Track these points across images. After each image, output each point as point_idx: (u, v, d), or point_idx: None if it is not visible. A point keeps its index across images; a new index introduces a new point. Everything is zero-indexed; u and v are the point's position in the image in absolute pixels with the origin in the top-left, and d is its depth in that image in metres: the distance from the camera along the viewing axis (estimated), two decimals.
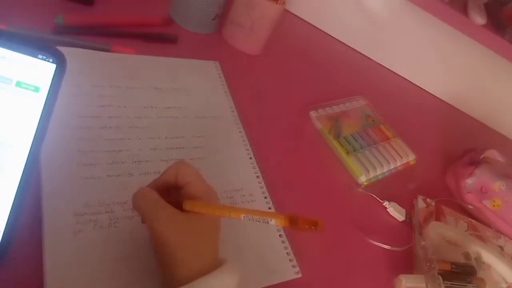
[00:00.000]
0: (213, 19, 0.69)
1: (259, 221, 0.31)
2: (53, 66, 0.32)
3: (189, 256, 0.32)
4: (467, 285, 0.49)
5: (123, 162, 0.45)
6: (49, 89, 0.32)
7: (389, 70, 0.93)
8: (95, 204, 0.40)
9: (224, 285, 0.32)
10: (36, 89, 0.32)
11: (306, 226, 0.29)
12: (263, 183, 0.52)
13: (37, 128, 0.32)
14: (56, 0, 0.59)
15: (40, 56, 0.32)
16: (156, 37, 0.63)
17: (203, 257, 0.33)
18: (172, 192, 0.36)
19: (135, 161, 0.46)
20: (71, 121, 0.45)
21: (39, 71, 0.32)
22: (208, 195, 0.36)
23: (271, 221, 0.31)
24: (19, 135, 0.32)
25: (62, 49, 0.50)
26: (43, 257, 0.35)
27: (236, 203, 0.48)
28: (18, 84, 0.31)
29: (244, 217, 0.32)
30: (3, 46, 0.31)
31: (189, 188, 0.35)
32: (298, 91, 0.72)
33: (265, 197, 0.51)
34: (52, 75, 0.32)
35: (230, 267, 0.33)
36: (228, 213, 0.33)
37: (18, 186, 0.32)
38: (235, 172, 0.52)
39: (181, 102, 0.55)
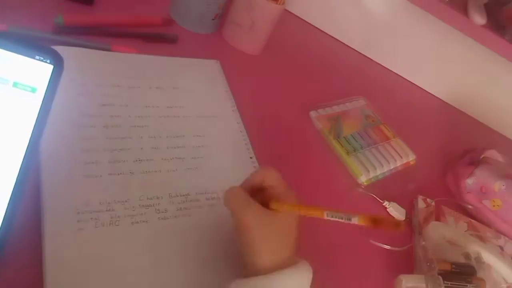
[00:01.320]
0: (213, 19, 0.69)
1: (342, 218, 0.34)
2: (50, 67, 0.32)
3: (268, 250, 0.35)
4: (467, 285, 0.49)
5: (124, 161, 0.45)
6: (46, 90, 0.32)
7: (389, 70, 0.93)
8: (96, 202, 0.40)
9: (298, 282, 0.35)
10: (33, 90, 0.32)
11: (390, 226, 0.32)
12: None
13: (33, 128, 0.32)
14: (56, 0, 0.59)
15: (37, 57, 0.32)
16: (156, 37, 0.63)
17: (281, 252, 0.36)
18: (257, 193, 0.40)
19: (136, 160, 0.46)
20: (72, 120, 0.45)
21: (36, 72, 0.32)
22: (288, 196, 0.39)
23: (354, 218, 0.33)
24: (15, 136, 0.32)
25: (62, 49, 0.51)
26: (43, 255, 0.35)
27: None
28: (15, 84, 0.31)
29: (327, 214, 0.34)
30: (0, 47, 0.31)
31: (274, 190, 0.39)
32: (298, 91, 0.72)
33: None
34: (49, 76, 0.32)
35: (306, 266, 0.37)
36: (312, 211, 0.36)
37: (14, 187, 0.32)
38: (235, 171, 0.52)
39: (182, 101, 0.55)
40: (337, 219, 0.34)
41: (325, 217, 0.34)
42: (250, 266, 0.35)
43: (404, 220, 0.32)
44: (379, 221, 0.32)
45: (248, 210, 0.37)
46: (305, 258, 0.46)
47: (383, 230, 0.34)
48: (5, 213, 0.33)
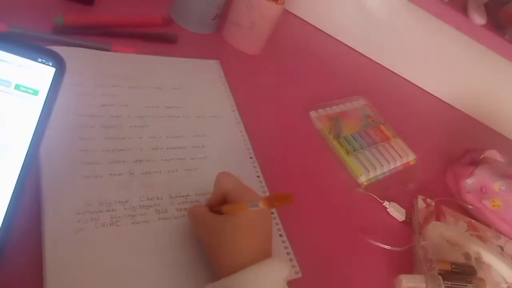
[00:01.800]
0: (213, 19, 0.69)
1: (255, 206, 0.36)
2: (53, 69, 0.32)
3: (225, 253, 0.37)
4: (467, 285, 0.49)
5: (124, 161, 0.45)
6: (48, 93, 0.32)
7: (389, 70, 0.93)
8: (96, 203, 0.40)
9: (270, 276, 0.36)
10: (35, 93, 0.32)
11: (279, 201, 0.35)
12: (263, 182, 0.52)
13: (35, 131, 0.32)
14: (56, 0, 0.59)
15: (39, 60, 0.32)
16: (156, 37, 0.63)
17: (241, 253, 0.37)
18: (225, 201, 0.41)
19: (136, 160, 0.46)
20: (72, 120, 0.46)
21: (38, 74, 0.32)
22: (246, 194, 0.40)
23: (260, 203, 0.36)
24: (16, 138, 0.32)
25: (62, 49, 0.51)
26: (43, 255, 0.35)
27: None
28: (17, 87, 0.31)
29: (248, 206, 0.37)
30: (3, 49, 0.31)
31: (231, 193, 0.40)
32: (298, 91, 0.72)
33: None
34: (51, 79, 0.32)
35: (278, 261, 0.37)
36: (236, 208, 0.38)
37: (14, 188, 0.32)
38: (235, 171, 0.51)
39: (182, 102, 0.55)
40: (254, 208, 0.36)
41: (248, 209, 0.37)
42: (216, 270, 0.38)
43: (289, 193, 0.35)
44: (271, 200, 0.36)
45: (202, 221, 0.39)
46: (305, 257, 0.47)
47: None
48: (5, 214, 0.33)
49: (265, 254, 0.38)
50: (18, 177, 0.32)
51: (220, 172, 0.42)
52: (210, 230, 0.38)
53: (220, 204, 0.40)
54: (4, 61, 0.31)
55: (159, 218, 0.43)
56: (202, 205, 0.42)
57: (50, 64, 0.32)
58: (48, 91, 0.32)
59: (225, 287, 0.35)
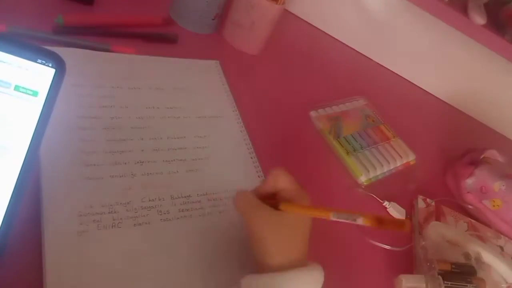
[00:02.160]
0: (213, 19, 0.69)
1: (347, 219, 0.34)
2: (52, 70, 0.32)
3: (278, 249, 0.36)
4: (467, 285, 0.49)
5: (125, 163, 0.45)
6: (48, 94, 0.32)
7: (389, 70, 0.93)
8: (98, 204, 0.40)
9: (310, 283, 0.35)
10: (35, 94, 0.32)
11: (394, 226, 0.32)
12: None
13: (34, 132, 0.32)
14: (56, 0, 0.59)
15: (39, 61, 0.31)
16: (156, 37, 0.63)
17: (291, 253, 0.37)
18: (270, 198, 0.40)
19: (137, 162, 0.46)
20: (72, 121, 0.45)
21: (38, 75, 0.32)
22: (301, 198, 0.40)
23: (358, 219, 0.33)
24: (16, 139, 0.32)
25: (62, 50, 0.50)
26: (44, 257, 0.35)
27: None
28: (17, 88, 0.31)
29: (333, 215, 0.35)
30: (2, 50, 0.31)
31: (285, 192, 0.40)
32: (298, 91, 0.72)
33: None
34: (51, 80, 0.32)
35: (318, 269, 0.37)
36: (318, 213, 0.37)
37: (13, 191, 0.32)
38: (236, 171, 0.52)
39: (182, 102, 0.55)
40: (343, 220, 0.34)
41: (331, 218, 0.35)
42: (261, 265, 0.36)
43: (407, 219, 0.32)
44: (384, 222, 0.33)
45: (257, 211, 0.38)
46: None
47: (387, 231, 0.34)
48: (5, 215, 0.32)
49: (305, 261, 0.38)
50: (18, 178, 0.32)
51: (278, 168, 0.41)
52: (264, 222, 0.37)
53: (269, 198, 0.40)
54: (4, 62, 0.31)
55: (161, 219, 0.43)
56: (249, 192, 0.41)
57: (50, 65, 0.32)
58: (48, 92, 0.32)
59: (267, 283, 0.34)
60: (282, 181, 0.40)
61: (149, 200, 0.43)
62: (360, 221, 0.33)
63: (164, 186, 0.45)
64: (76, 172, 0.42)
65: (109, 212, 0.40)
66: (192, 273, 0.40)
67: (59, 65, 0.32)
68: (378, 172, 0.64)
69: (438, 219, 0.62)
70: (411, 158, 0.71)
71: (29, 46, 0.31)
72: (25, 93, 0.32)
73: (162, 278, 0.39)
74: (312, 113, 0.68)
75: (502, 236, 0.65)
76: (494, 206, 0.66)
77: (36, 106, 0.32)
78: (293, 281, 0.35)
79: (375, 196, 0.61)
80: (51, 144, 0.36)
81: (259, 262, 0.37)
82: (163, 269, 0.39)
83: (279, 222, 0.37)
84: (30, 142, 0.32)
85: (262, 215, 0.38)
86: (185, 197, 0.46)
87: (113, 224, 0.40)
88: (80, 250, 0.37)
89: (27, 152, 0.32)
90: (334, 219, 0.35)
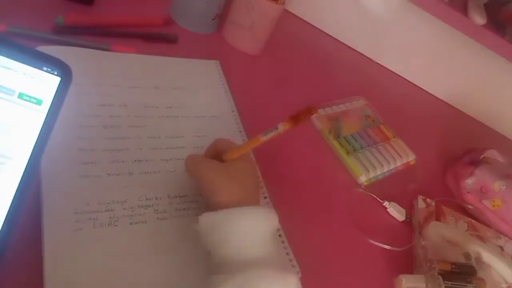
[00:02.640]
0: (213, 19, 0.69)
1: (272, 132, 0.38)
2: (58, 79, 0.31)
3: (226, 189, 0.39)
4: (467, 285, 0.49)
5: (123, 161, 0.45)
6: (52, 103, 0.31)
7: (389, 70, 0.93)
8: (95, 202, 0.40)
9: (257, 219, 0.38)
10: (39, 102, 0.31)
11: (305, 115, 0.36)
12: (262, 182, 0.52)
13: (36, 141, 0.31)
14: (56, 0, 0.59)
15: (45, 68, 0.31)
16: (156, 37, 0.63)
17: (239, 192, 0.40)
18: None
19: (135, 160, 0.46)
20: (71, 119, 0.45)
21: (43, 83, 0.31)
22: (238, 146, 0.43)
23: (280, 127, 0.38)
24: (18, 148, 0.31)
25: (62, 49, 0.51)
26: (43, 255, 0.35)
27: None
28: (21, 96, 0.31)
29: (262, 137, 0.39)
30: (8, 56, 0.30)
31: (227, 151, 0.43)
32: (298, 91, 0.72)
33: (265, 197, 0.51)
34: (56, 88, 0.31)
35: (269, 211, 0.40)
36: (252, 143, 0.41)
37: (13, 198, 0.32)
38: None
39: (181, 102, 0.55)
40: (270, 135, 0.39)
41: (262, 140, 0.39)
42: (212, 205, 0.39)
43: (313, 106, 0.37)
44: (298, 117, 0.37)
45: (204, 163, 0.42)
46: (305, 257, 0.46)
47: (304, 122, 0.37)
48: (4, 220, 0.32)
49: (258, 201, 0.42)
50: (18, 187, 0.32)
51: (218, 138, 0.45)
52: (211, 170, 0.41)
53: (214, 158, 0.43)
54: (8, 68, 0.30)
55: (157, 218, 0.43)
56: (197, 154, 0.44)
57: (56, 73, 0.31)
58: (52, 101, 0.31)
59: (223, 218, 0.37)
60: (222, 144, 0.44)
61: (146, 199, 0.43)
62: (281, 126, 0.37)
63: (162, 185, 0.45)
64: (74, 170, 0.42)
65: (105, 210, 0.40)
66: (187, 272, 0.40)
67: (65, 74, 0.31)
68: (378, 172, 0.64)
69: (438, 219, 0.62)
70: (411, 158, 0.70)
71: (34, 53, 0.31)
72: (29, 101, 0.31)
73: (158, 277, 0.39)
74: None
75: (502, 236, 0.65)
76: (494, 206, 0.66)
77: (39, 115, 0.31)
78: (246, 216, 0.37)
79: (375, 196, 0.61)
80: (50, 142, 0.36)
81: (210, 203, 0.40)
82: (159, 268, 0.39)
83: (226, 169, 0.41)
84: (32, 151, 0.31)
85: (210, 166, 0.41)
86: (182, 196, 0.45)
87: (110, 223, 0.40)
88: (77, 248, 0.37)
89: (28, 161, 0.31)
90: (265, 139, 0.39)
